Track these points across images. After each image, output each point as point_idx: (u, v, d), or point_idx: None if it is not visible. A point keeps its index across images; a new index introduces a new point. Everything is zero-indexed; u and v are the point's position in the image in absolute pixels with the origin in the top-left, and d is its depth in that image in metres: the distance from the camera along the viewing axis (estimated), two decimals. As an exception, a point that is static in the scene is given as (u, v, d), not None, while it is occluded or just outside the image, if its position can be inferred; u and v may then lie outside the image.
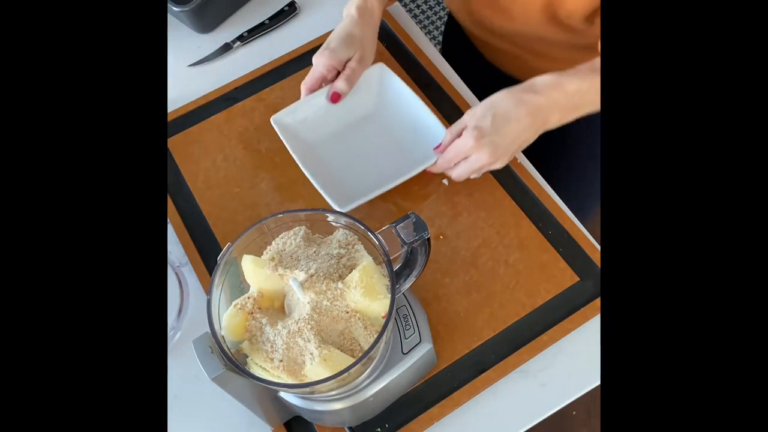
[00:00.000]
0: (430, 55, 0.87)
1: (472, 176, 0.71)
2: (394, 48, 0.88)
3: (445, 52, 1.06)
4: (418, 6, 2.02)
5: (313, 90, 0.76)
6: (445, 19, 1.94)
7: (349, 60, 0.75)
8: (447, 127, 0.73)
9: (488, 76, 0.91)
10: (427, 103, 0.82)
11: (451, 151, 0.68)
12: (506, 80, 0.88)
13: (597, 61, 0.66)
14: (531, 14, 0.75)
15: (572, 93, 0.65)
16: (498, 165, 0.68)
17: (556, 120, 0.66)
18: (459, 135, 0.68)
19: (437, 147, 0.71)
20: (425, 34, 0.91)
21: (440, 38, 1.96)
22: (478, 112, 0.66)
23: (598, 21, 0.71)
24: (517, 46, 0.83)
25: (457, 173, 0.70)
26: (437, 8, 2.02)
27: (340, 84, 0.76)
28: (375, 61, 0.80)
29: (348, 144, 0.79)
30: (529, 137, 0.66)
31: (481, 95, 0.72)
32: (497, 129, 0.64)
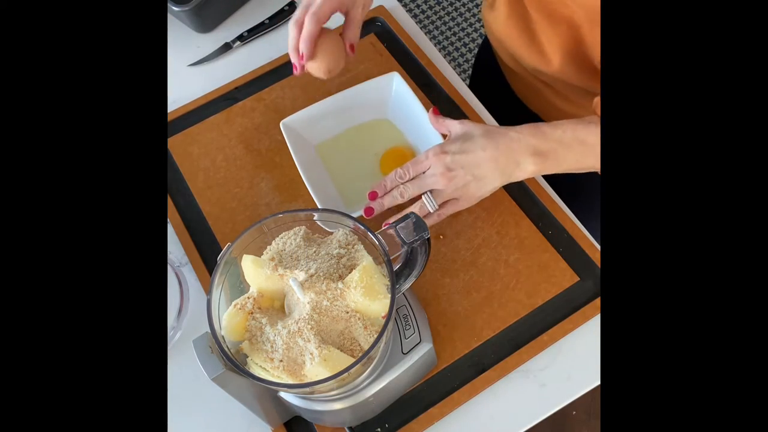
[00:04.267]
0: (430, 55, 0.87)
1: (420, 206, 0.66)
2: (394, 48, 0.88)
3: (473, 82, 1.06)
4: (418, 6, 2.02)
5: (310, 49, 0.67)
6: (455, 29, 1.95)
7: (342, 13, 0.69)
8: None
9: (513, 110, 0.89)
10: (426, 105, 0.82)
11: (412, 163, 0.66)
12: (530, 116, 0.87)
13: (586, 117, 0.63)
14: (567, 61, 0.74)
15: (553, 141, 0.62)
16: (450, 189, 0.64)
17: (531, 169, 0.63)
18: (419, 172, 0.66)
19: (372, 193, 0.67)
20: (425, 34, 0.91)
21: (440, 38, 1.96)
22: (451, 137, 0.65)
23: None
24: (548, 87, 0.82)
25: (407, 190, 0.66)
26: (437, 8, 2.02)
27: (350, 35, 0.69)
28: (386, 68, 0.79)
29: (353, 151, 0.79)
30: (491, 177, 0.63)
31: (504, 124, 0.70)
32: (460, 150, 0.62)
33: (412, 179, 0.66)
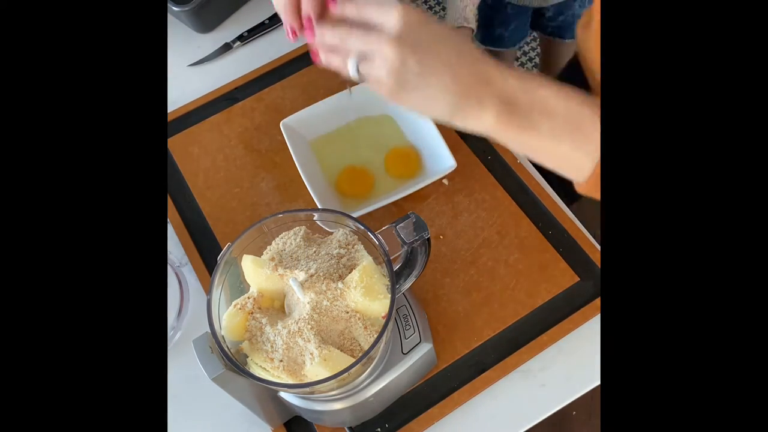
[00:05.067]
0: (430, 55, 0.87)
1: (341, 63, 0.47)
2: (394, 48, 0.88)
3: None
4: (417, 6, 2.03)
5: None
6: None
7: None
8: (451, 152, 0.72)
9: None
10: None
11: (370, 4, 0.46)
12: None
13: (591, 98, 0.48)
14: None
15: (536, 100, 0.47)
16: (388, 83, 0.45)
17: (493, 112, 0.46)
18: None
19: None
20: (425, 34, 0.91)
21: (440, 38, 1.96)
22: (424, 12, 0.47)
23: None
24: None
25: (351, 42, 0.46)
26: (437, 8, 2.02)
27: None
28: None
29: (353, 150, 0.79)
30: (442, 103, 0.46)
31: None
32: (425, 50, 0.44)
33: (360, 26, 0.46)
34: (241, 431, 0.66)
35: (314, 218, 0.56)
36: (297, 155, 0.74)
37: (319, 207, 0.71)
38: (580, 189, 0.53)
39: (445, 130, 0.81)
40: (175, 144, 0.83)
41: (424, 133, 0.76)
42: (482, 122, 0.47)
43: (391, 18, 0.45)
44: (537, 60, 1.90)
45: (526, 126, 0.47)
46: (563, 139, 0.48)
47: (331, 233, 0.56)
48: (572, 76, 0.69)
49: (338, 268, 0.52)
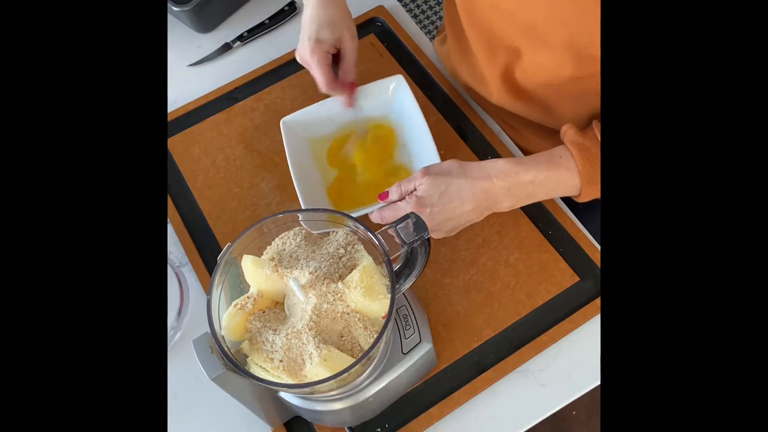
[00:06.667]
0: (430, 55, 0.87)
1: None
2: (394, 48, 0.88)
3: None
4: (418, 6, 2.02)
5: (333, 84, 0.74)
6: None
7: (336, 40, 0.74)
8: (441, 157, 0.71)
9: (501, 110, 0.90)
10: (426, 105, 0.82)
11: (390, 211, 0.66)
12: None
13: (557, 151, 0.64)
14: (504, 90, 0.74)
15: (526, 183, 0.63)
16: (433, 235, 0.66)
17: (507, 205, 0.65)
18: (408, 193, 0.65)
19: (383, 194, 0.68)
20: (425, 34, 0.91)
21: (440, 38, 1.96)
22: (430, 182, 0.63)
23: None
24: (498, 117, 0.83)
25: (386, 219, 0.68)
26: (437, 8, 2.02)
27: (350, 76, 0.76)
28: (386, 68, 0.79)
29: (350, 152, 0.79)
30: (474, 218, 0.65)
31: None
32: (441, 205, 0.63)
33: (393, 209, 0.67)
34: (241, 431, 0.66)
35: (299, 219, 0.56)
36: (291, 154, 0.74)
37: (303, 207, 0.70)
38: (580, 199, 0.65)
39: (445, 129, 0.81)
40: (175, 144, 0.83)
41: (423, 138, 0.75)
42: (502, 210, 0.66)
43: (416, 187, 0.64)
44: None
45: (529, 199, 0.65)
46: (552, 192, 0.65)
47: (330, 233, 0.56)
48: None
49: (338, 268, 0.52)
